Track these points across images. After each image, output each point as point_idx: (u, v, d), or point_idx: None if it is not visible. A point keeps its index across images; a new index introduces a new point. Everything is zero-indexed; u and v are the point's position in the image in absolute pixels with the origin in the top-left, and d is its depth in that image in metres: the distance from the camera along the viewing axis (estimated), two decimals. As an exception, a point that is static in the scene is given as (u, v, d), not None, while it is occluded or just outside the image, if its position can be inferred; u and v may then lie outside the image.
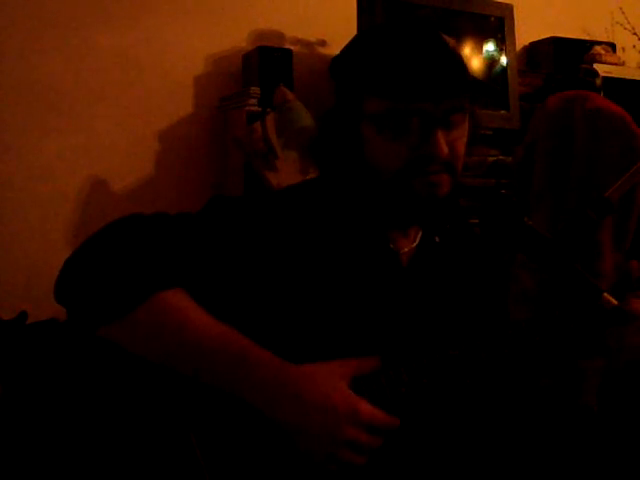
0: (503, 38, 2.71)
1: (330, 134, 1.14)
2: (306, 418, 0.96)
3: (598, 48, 2.95)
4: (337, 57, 1.16)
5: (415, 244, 1.17)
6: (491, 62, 2.71)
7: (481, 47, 2.69)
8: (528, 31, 2.99)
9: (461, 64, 1.08)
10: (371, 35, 1.14)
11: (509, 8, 2.73)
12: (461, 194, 1.15)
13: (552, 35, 3.02)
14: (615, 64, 2.90)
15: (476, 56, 2.69)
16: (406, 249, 1.16)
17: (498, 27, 2.72)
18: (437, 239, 1.20)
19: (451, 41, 1.09)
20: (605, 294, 1.03)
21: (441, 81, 1.04)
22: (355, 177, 1.11)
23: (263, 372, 0.97)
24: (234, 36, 2.65)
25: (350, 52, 1.13)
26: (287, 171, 2.33)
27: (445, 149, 1.05)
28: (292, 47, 2.60)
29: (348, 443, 0.95)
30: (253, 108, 2.43)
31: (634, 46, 3.15)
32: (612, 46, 3.06)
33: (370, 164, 1.09)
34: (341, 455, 0.96)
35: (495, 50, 2.71)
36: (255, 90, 2.45)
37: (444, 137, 1.05)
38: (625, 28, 3.07)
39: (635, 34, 3.09)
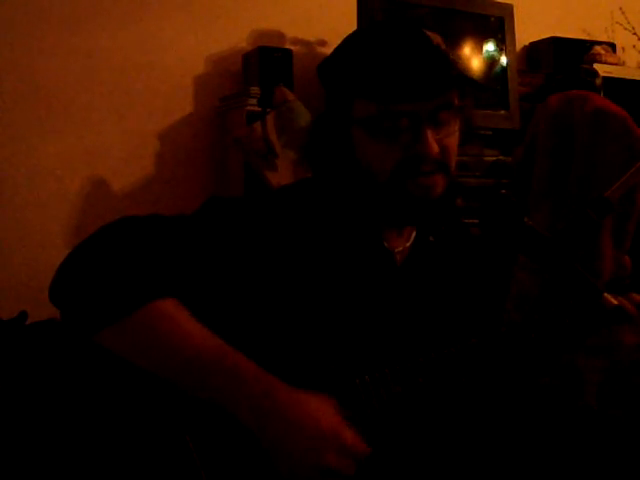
0: (503, 38, 2.71)
1: (321, 138, 1.14)
2: (291, 439, 0.96)
3: (598, 48, 2.95)
4: (323, 62, 1.16)
5: (409, 243, 1.17)
6: (491, 62, 2.71)
7: (481, 47, 2.69)
8: (528, 31, 2.99)
9: (446, 60, 1.07)
10: (355, 39, 1.14)
11: (509, 8, 2.73)
12: (459, 194, 1.15)
13: (552, 35, 3.02)
14: (615, 64, 2.90)
15: (476, 56, 2.69)
16: (400, 248, 1.16)
17: (498, 27, 2.72)
18: (431, 239, 1.20)
19: (436, 37, 1.09)
20: (605, 294, 1.03)
21: (426, 80, 1.03)
22: (348, 180, 1.11)
23: (254, 390, 0.97)
24: (234, 36, 2.65)
25: (336, 57, 1.13)
26: (287, 171, 2.34)
27: (435, 147, 1.04)
28: (292, 47, 2.60)
29: (329, 471, 0.96)
30: (253, 108, 2.43)
31: (634, 46, 3.15)
32: (612, 46, 3.06)
33: (363, 167, 1.09)
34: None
35: (495, 50, 2.71)
36: (255, 90, 2.45)
37: (434, 135, 1.05)
38: (625, 28, 3.08)
39: (635, 34, 3.09)
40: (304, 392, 0.99)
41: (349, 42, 1.14)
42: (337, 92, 1.12)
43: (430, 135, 1.04)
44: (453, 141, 1.09)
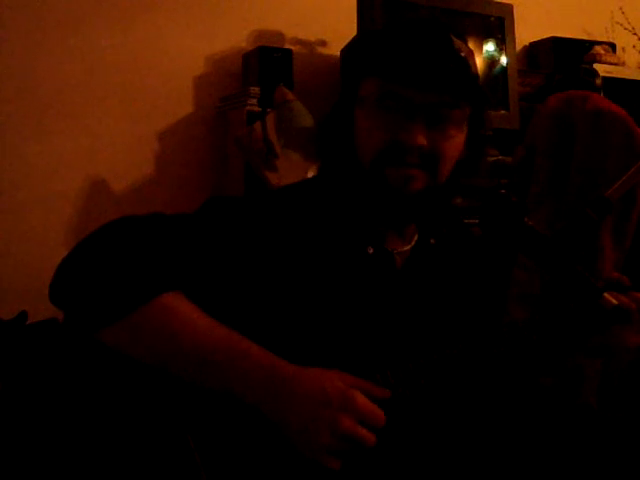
0: (503, 38, 2.71)
1: (329, 121, 1.15)
2: (303, 413, 0.96)
3: (598, 48, 2.95)
4: (346, 48, 1.18)
5: (410, 246, 1.17)
6: (491, 62, 2.71)
7: (481, 47, 2.69)
8: (528, 31, 2.99)
9: (460, 64, 1.08)
10: (380, 28, 1.16)
11: (509, 8, 2.73)
12: (450, 194, 1.14)
13: (552, 35, 3.01)
14: (615, 64, 2.90)
15: (476, 56, 2.68)
16: (401, 250, 1.16)
17: (498, 27, 2.72)
18: (433, 241, 1.20)
19: (460, 43, 1.09)
20: (605, 294, 1.03)
21: (430, 71, 1.04)
22: (345, 166, 1.12)
23: (263, 372, 0.97)
24: (234, 36, 2.65)
25: (355, 40, 1.15)
26: (287, 171, 2.33)
27: (422, 140, 1.04)
28: (292, 47, 2.60)
29: (344, 436, 0.95)
30: (253, 108, 2.43)
31: (634, 46, 3.15)
32: (612, 46, 3.06)
33: (356, 151, 1.09)
34: (339, 446, 0.95)
35: (495, 50, 2.71)
36: (255, 90, 2.45)
37: (425, 130, 1.05)
38: (625, 28, 3.07)
39: (635, 34, 3.09)
40: (311, 368, 0.99)
41: (373, 30, 1.15)
42: (349, 73, 1.13)
43: (420, 126, 1.04)
44: (449, 147, 1.08)
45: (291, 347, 1.02)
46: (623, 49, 3.18)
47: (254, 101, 2.44)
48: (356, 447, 0.96)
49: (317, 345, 1.04)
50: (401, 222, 1.16)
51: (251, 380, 0.97)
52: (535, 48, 3.09)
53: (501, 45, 2.71)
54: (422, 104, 1.04)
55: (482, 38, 2.69)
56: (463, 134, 1.10)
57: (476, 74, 1.11)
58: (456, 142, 1.09)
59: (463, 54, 1.08)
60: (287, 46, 2.63)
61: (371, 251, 1.12)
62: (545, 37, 3.04)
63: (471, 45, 2.66)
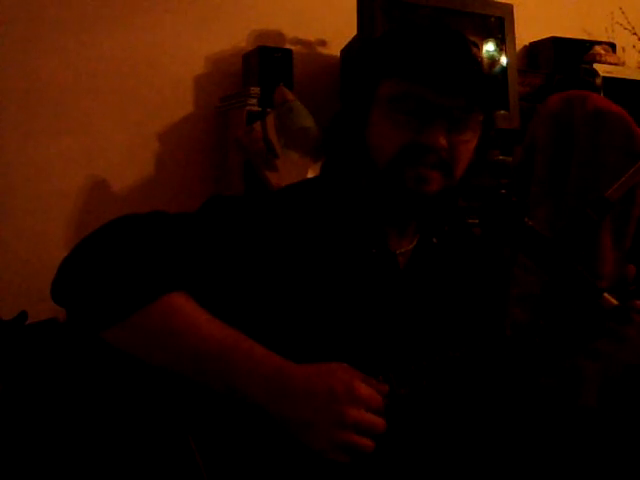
0: (503, 38, 2.71)
1: (340, 120, 1.15)
2: (309, 407, 0.96)
3: (598, 48, 2.95)
4: (345, 47, 1.17)
5: (412, 245, 1.17)
6: (491, 62, 2.71)
7: (481, 47, 2.69)
8: (528, 31, 2.99)
9: (480, 69, 1.08)
10: (380, 28, 1.16)
11: (509, 8, 2.73)
12: (459, 196, 1.15)
13: (552, 35, 3.02)
14: (615, 64, 2.90)
15: (476, 56, 2.68)
16: (403, 250, 1.16)
17: (498, 27, 2.71)
18: (435, 240, 1.20)
19: (476, 50, 1.10)
20: (605, 294, 1.03)
21: (453, 74, 1.04)
22: (355, 166, 1.12)
23: (267, 371, 0.97)
24: (234, 36, 2.65)
25: (375, 39, 1.14)
26: (287, 171, 2.33)
27: (442, 142, 1.05)
28: (292, 47, 2.60)
29: (352, 425, 0.95)
30: (253, 108, 2.43)
31: (634, 46, 3.15)
32: (612, 46, 3.06)
33: (370, 151, 1.09)
34: (348, 439, 0.95)
35: (495, 50, 2.71)
36: (255, 90, 2.45)
37: (444, 132, 1.05)
38: (625, 28, 3.08)
39: (635, 34, 3.09)
40: (313, 364, 0.99)
41: (389, 31, 1.15)
42: (366, 73, 1.12)
43: (440, 129, 1.05)
44: (465, 150, 1.09)
45: (295, 347, 1.02)
46: (623, 49, 3.19)
47: (254, 101, 2.44)
48: (365, 435, 0.96)
49: (320, 345, 1.04)
50: (410, 222, 1.16)
51: (255, 380, 0.97)
52: (535, 48, 3.09)
53: (501, 45, 2.71)
54: (441, 106, 1.04)
55: (482, 38, 2.69)
56: (476, 138, 1.10)
57: (490, 81, 1.12)
58: (471, 145, 1.10)
59: (478, 59, 1.09)
60: (287, 46, 2.63)
61: (374, 252, 1.12)
62: (545, 37, 3.04)
63: (471, 45, 2.67)
